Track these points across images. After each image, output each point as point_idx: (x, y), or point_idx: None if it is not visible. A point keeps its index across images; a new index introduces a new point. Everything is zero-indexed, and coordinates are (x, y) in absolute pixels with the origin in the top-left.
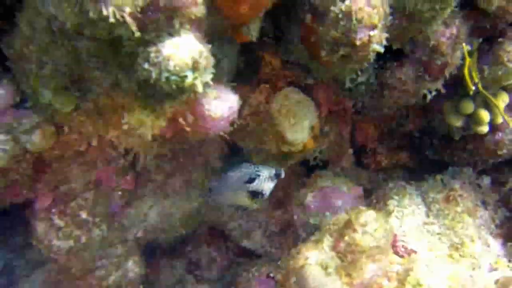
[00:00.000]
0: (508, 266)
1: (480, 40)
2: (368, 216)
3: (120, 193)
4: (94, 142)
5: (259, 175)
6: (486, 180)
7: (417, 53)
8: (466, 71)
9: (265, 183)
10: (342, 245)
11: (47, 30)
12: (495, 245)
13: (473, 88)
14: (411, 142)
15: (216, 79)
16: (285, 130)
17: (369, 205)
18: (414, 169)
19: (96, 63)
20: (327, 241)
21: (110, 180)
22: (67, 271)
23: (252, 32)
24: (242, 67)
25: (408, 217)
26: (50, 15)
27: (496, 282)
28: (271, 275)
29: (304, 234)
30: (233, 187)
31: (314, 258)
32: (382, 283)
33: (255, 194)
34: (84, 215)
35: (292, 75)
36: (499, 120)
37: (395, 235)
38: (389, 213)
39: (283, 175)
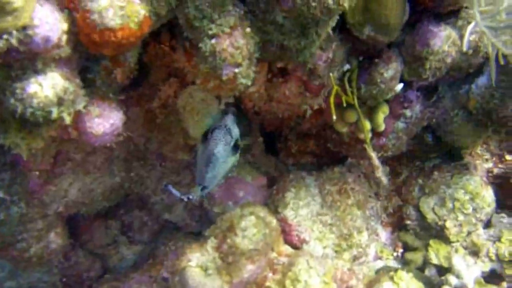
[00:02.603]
0: (392, 254)
1: (361, 58)
2: (249, 221)
3: (37, 173)
4: None
5: (230, 130)
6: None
7: (298, 72)
8: (331, 100)
9: (235, 130)
10: (225, 246)
11: None
12: (384, 234)
13: (334, 118)
14: (317, 131)
15: (103, 94)
16: (189, 127)
17: (270, 196)
18: (321, 156)
19: None
20: (211, 243)
21: (27, 161)
22: None
23: (130, 59)
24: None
25: (303, 208)
26: None
27: (377, 271)
28: None
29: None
30: (225, 164)
31: (195, 260)
32: (267, 275)
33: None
34: (1, 194)
35: None
36: (381, 128)
37: (290, 225)
38: (286, 205)
39: (233, 109)
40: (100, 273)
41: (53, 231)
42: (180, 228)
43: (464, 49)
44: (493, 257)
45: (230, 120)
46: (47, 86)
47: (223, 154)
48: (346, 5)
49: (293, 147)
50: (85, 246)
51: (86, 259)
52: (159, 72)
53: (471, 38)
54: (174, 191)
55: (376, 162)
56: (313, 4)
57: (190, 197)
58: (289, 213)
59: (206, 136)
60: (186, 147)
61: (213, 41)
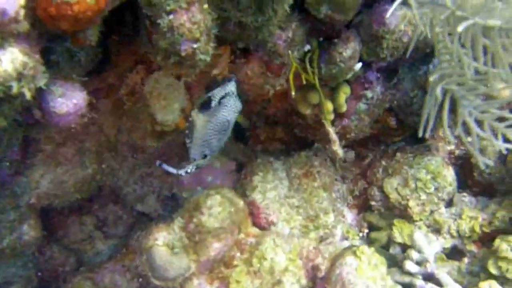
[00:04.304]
0: (358, 235)
1: (321, 39)
2: (214, 200)
3: (8, 163)
4: None
5: (239, 96)
6: (350, 154)
7: (259, 52)
8: (291, 77)
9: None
10: (191, 226)
11: None
12: (350, 215)
13: (293, 94)
14: (285, 118)
15: (67, 75)
16: (156, 112)
17: (238, 180)
18: (289, 143)
19: None
20: (178, 222)
21: None
22: None
23: (90, 37)
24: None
25: (271, 191)
26: None
27: (346, 250)
28: None
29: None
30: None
31: (162, 239)
32: (235, 255)
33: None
34: None
35: None
36: (343, 109)
37: (258, 208)
38: (253, 188)
39: (234, 76)
40: (75, 268)
41: (26, 223)
42: (153, 219)
43: (387, 16)
44: (455, 234)
45: (235, 87)
46: (6, 61)
47: (234, 121)
48: None
49: (261, 134)
50: (60, 242)
51: (61, 254)
52: (127, 61)
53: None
54: (168, 168)
55: (334, 136)
56: None
57: (188, 170)
58: (257, 196)
59: (207, 104)
60: (153, 133)
61: (170, 16)
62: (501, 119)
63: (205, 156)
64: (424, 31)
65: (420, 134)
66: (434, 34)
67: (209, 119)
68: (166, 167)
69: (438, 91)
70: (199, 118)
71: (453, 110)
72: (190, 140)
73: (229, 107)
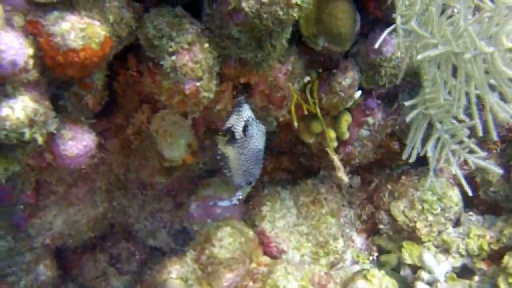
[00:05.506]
0: (368, 258)
1: (320, 70)
2: (224, 231)
3: (22, 207)
4: None
5: (258, 121)
6: (356, 180)
7: (261, 86)
8: (292, 108)
9: (256, 128)
10: (203, 258)
11: None
12: (359, 240)
13: (296, 125)
14: (290, 148)
15: (75, 118)
16: (163, 149)
17: (247, 211)
18: (295, 172)
19: None
20: (190, 255)
21: (9, 196)
22: None
23: (96, 81)
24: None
25: (279, 220)
26: None
27: (356, 274)
28: None
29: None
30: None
31: (176, 272)
32: (248, 285)
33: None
34: None
35: None
36: (346, 137)
37: (268, 237)
38: (262, 218)
39: (242, 98)
40: None
41: (41, 263)
42: (165, 254)
43: (376, 46)
44: (464, 253)
45: (250, 110)
46: (18, 109)
47: (264, 144)
48: (296, 15)
49: (268, 165)
50: (76, 281)
51: None
52: (132, 101)
53: None
54: (223, 202)
55: (338, 163)
56: (265, 16)
57: (239, 197)
58: (266, 225)
59: (231, 135)
60: (162, 170)
61: (173, 57)
62: None
63: (250, 183)
64: (411, 58)
65: (404, 157)
66: (419, 61)
67: (241, 151)
68: (220, 203)
69: (412, 115)
70: (229, 151)
71: None
72: (229, 171)
73: (256, 136)
